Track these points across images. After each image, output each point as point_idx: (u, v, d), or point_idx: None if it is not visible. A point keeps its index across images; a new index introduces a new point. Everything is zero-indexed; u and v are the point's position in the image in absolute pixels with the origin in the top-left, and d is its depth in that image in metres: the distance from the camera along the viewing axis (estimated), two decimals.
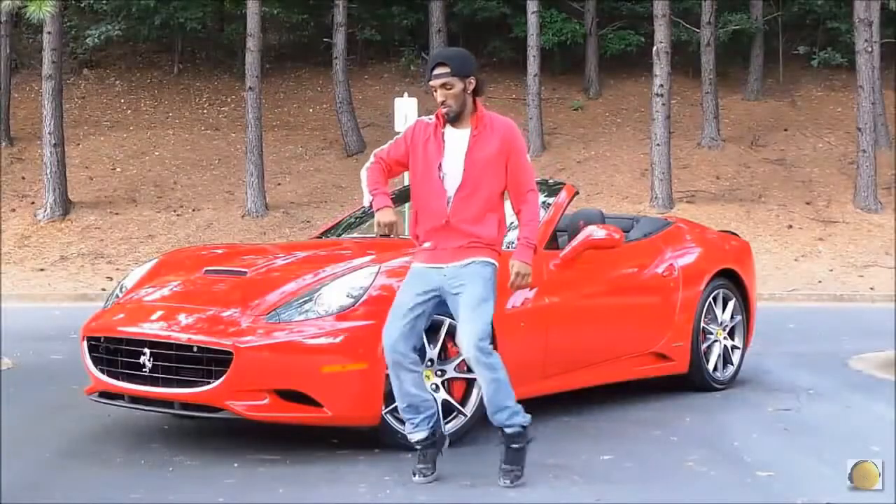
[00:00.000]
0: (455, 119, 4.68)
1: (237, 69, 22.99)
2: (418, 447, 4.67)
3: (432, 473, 4.64)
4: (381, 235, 4.70)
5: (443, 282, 4.62)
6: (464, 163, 4.66)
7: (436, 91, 4.65)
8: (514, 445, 4.60)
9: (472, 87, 4.67)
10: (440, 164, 4.68)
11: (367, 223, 7.05)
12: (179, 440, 5.46)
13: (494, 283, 4.63)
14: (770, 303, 13.30)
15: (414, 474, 4.62)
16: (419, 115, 16.48)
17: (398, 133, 4.83)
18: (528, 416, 4.65)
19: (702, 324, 6.83)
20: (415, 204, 4.79)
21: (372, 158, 4.90)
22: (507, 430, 4.60)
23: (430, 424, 4.67)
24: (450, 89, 4.62)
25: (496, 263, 4.66)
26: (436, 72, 4.64)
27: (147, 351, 5.14)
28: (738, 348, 7.18)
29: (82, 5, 23.08)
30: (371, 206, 4.75)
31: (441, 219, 4.64)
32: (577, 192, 6.50)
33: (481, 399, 5.24)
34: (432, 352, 5.19)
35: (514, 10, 23.03)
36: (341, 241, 6.58)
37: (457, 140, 4.70)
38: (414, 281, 4.69)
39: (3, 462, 4.94)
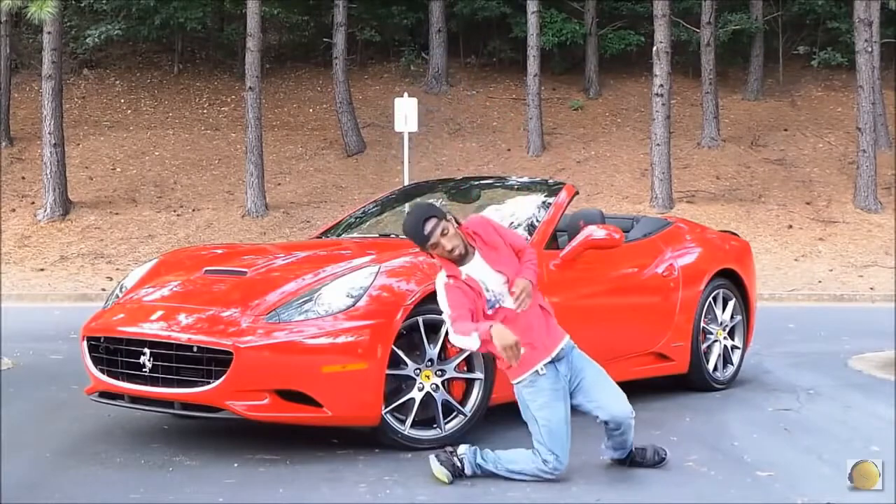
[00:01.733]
0: (467, 253, 4.69)
1: (237, 69, 23.01)
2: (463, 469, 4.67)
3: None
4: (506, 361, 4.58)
5: (561, 378, 4.67)
6: (496, 274, 4.66)
7: (436, 248, 4.62)
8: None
9: (455, 224, 4.72)
10: (488, 298, 4.66)
11: (367, 223, 7.06)
12: (179, 440, 5.46)
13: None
14: (770, 303, 13.31)
15: (446, 465, 4.64)
16: (418, 115, 16.61)
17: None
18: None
19: (702, 324, 6.84)
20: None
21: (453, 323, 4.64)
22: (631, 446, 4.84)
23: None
24: (446, 233, 4.63)
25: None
26: (429, 228, 4.60)
27: (147, 351, 5.14)
28: (738, 348, 7.19)
29: (82, 5, 23.08)
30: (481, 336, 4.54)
31: (524, 333, 4.60)
32: (577, 192, 6.51)
33: (481, 399, 5.28)
34: (432, 352, 5.19)
35: (514, 10, 23.04)
36: (341, 241, 6.57)
37: (474, 265, 4.69)
38: (547, 390, 4.63)
39: (3, 462, 4.95)
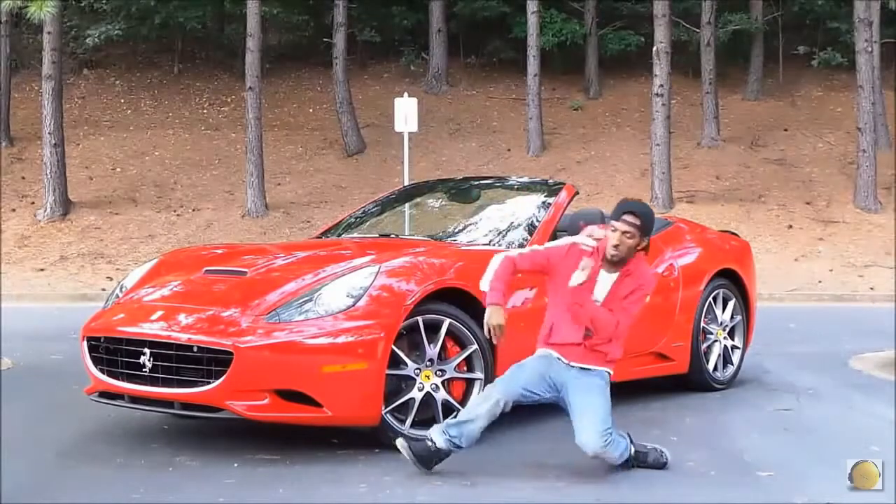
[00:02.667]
0: (616, 264, 4.80)
1: (237, 69, 22.99)
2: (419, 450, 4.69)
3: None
4: (486, 333, 4.81)
5: (565, 376, 4.77)
6: (604, 297, 4.81)
7: (613, 230, 4.76)
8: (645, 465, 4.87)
9: (643, 245, 4.84)
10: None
11: (367, 223, 7.06)
12: (179, 440, 5.46)
13: (608, 391, 4.83)
14: (770, 303, 13.30)
15: (421, 460, 4.67)
16: (418, 115, 16.62)
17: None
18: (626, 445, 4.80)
19: (702, 324, 6.84)
20: (551, 315, 4.89)
21: (503, 257, 4.91)
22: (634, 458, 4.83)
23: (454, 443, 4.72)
24: (629, 239, 4.76)
25: (611, 373, 4.87)
26: (626, 218, 4.76)
27: (147, 351, 5.13)
28: (738, 348, 7.18)
29: (82, 5, 23.08)
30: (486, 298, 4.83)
31: (576, 338, 4.79)
32: (577, 192, 6.51)
33: None
34: (432, 351, 5.19)
35: (515, 10, 23.03)
36: (341, 241, 6.58)
37: (604, 277, 4.84)
38: (535, 361, 4.83)
39: (4, 462, 4.94)
